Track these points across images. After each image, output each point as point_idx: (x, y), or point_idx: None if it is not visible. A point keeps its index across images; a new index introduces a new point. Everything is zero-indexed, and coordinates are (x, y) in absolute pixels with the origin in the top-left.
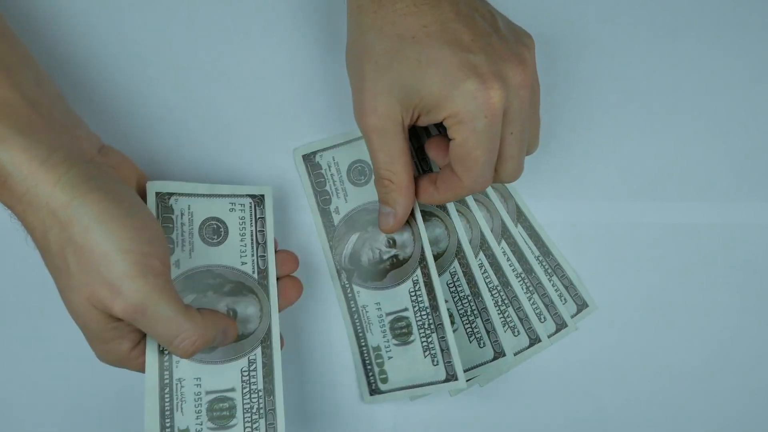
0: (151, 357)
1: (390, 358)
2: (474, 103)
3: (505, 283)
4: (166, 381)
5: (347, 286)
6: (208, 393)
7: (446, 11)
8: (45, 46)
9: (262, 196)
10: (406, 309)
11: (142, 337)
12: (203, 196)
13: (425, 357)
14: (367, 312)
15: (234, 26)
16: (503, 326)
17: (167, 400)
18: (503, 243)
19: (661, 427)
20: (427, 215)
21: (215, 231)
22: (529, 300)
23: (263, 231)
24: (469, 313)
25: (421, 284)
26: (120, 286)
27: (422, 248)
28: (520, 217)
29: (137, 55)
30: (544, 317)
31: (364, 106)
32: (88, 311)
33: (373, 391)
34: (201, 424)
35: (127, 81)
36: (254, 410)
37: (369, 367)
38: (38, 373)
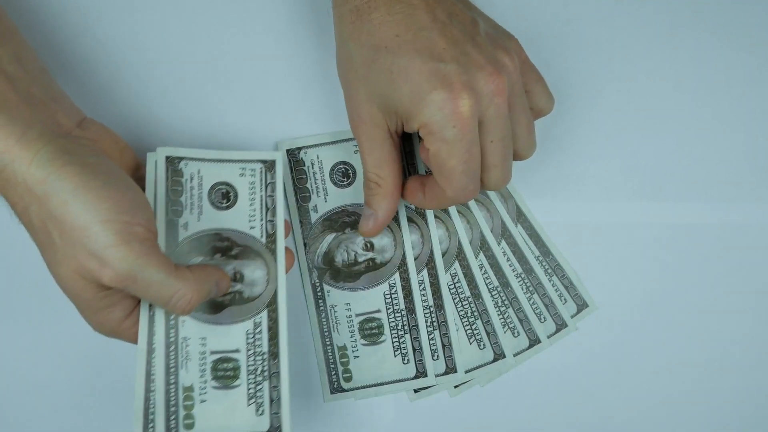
0: (143, 321)
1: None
2: (441, 113)
3: (505, 283)
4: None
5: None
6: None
7: (421, 18)
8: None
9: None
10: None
11: (135, 305)
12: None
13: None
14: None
15: (233, 20)
16: (503, 327)
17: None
18: (503, 243)
19: (661, 427)
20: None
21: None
22: (529, 300)
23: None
24: (469, 314)
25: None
26: (106, 257)
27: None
28: (520, 217)
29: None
30: (544, 317)
31: (352, 113)
32: (78, 283)
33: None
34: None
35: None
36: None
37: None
38: (38, 371)
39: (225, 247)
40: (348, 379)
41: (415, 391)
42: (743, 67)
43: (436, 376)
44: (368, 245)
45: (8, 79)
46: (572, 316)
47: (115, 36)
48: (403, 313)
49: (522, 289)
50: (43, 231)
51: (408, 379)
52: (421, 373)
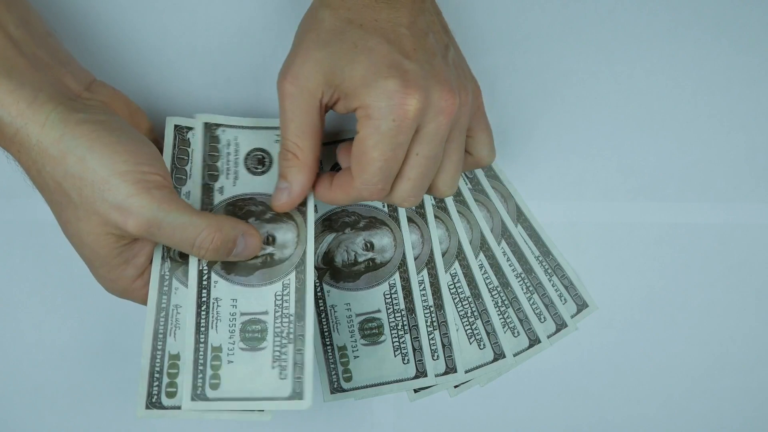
0: (154, 281)
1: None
2: (387, 101)
3: (505, 283)
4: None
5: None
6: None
7: (402, 16)
8: None
9: None
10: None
11: (147, 265)
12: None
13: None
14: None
15: None
16: (503, 327)
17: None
18: (503, 243)
19: (661, 427)
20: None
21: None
22: (529, 300)
23: None
24: (469, 314)
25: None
26: (129, 206)
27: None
28: (520, 217)
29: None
30: (544, 317)
31: (289, 69)
32: (98, 238)
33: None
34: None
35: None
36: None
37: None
38: (38, 370)
39: (259, 210)
40: (348, 379)
41: (415, 391)
42: (743, 67)
43: (436, 376)
44: (368, 245)
45: (15, 44)
46: (572, 316)
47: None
48: (403, 313)
49: (522, 289)
50: (59, 191)
51: (408, 379)
52: (421, 373)
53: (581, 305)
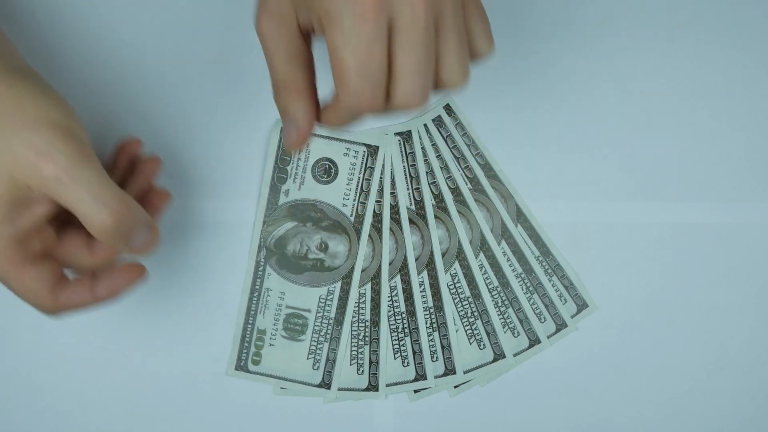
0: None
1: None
2: None
3: (505, 283)
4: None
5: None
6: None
7: None
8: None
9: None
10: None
11: (28, 230)
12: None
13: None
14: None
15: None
16: (503, 327)
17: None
18: (503, 243)
19: (661, 427)
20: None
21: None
22: (529, 300)
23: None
24: (469, 314)
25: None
26: (49, 152)
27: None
28: (520, 217)
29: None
30: (544, 317)
31: (260, 7)
32: None
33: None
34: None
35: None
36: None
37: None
38: (37, 370)
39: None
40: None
41: (415, 391)
42: (742, 67)
43: (435, 377)
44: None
45: None
46: (572, 316)
47: (111, 33)
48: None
49: (522, 289)
50: None
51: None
52: (420, 376)
53: (581, 305)
